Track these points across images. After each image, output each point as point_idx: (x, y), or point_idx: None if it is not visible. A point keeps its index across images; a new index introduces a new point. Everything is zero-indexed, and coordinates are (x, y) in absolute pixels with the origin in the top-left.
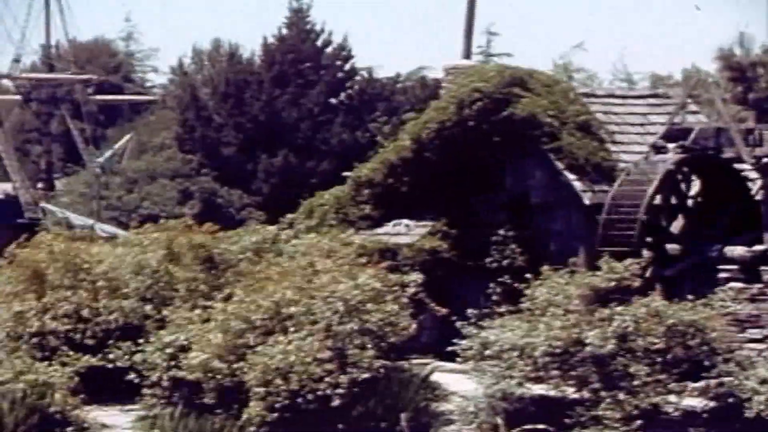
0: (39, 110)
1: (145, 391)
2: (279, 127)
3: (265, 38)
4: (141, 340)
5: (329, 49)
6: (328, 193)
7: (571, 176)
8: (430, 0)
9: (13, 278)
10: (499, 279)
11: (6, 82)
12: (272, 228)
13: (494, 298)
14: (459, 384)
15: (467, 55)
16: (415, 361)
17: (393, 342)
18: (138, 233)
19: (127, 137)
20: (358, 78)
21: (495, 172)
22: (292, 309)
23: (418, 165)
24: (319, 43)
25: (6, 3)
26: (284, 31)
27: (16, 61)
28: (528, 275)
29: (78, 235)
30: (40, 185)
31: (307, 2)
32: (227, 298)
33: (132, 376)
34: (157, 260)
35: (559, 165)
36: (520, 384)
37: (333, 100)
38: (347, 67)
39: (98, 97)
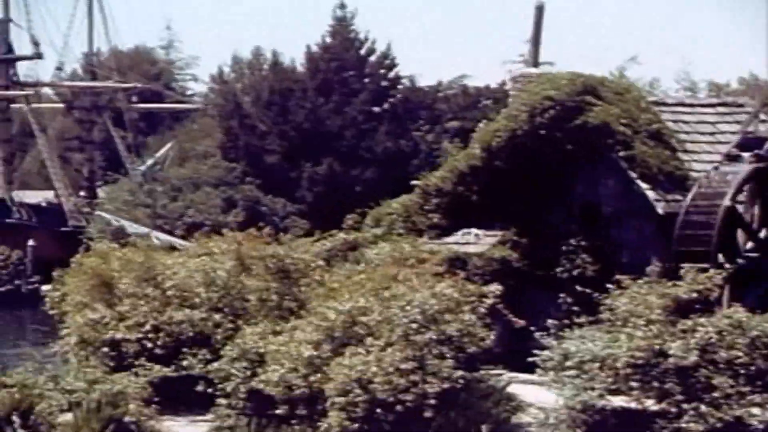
0: (80, 118)
1: (220, 401)
2: (323, 136)
3: (309, 47)
4: (214, 350)
5: (373, 58)
6: (396, 202)
7: (644, 185)
8: (469, 9)
9: (81, 287)
10: (570, 289)
11: (46, 89)
12: (342, 235)
13: (564, 308)
14: (535, 395)
15: (535, 63)
16: (486, 372)
17: (471, 353)
18: (205, 242)
19: (168, 145)
20: (401, 86)
21: (566, 181)
22: (368, 318)
23: (488, 173)
24: (362, 51)
25: (49, 11)
26: (328, 39)
27: (59, 68)
28: (608, 285)
29: (152, 246)
30: (82, 193)
31: (351, 11)
32: (301, 308)
33: (201, 386)
34: (227, 270)
35: (632, 174)
36: (601, 396)
37: (376, 109)
38: (391, 75)
39: (142, 105)
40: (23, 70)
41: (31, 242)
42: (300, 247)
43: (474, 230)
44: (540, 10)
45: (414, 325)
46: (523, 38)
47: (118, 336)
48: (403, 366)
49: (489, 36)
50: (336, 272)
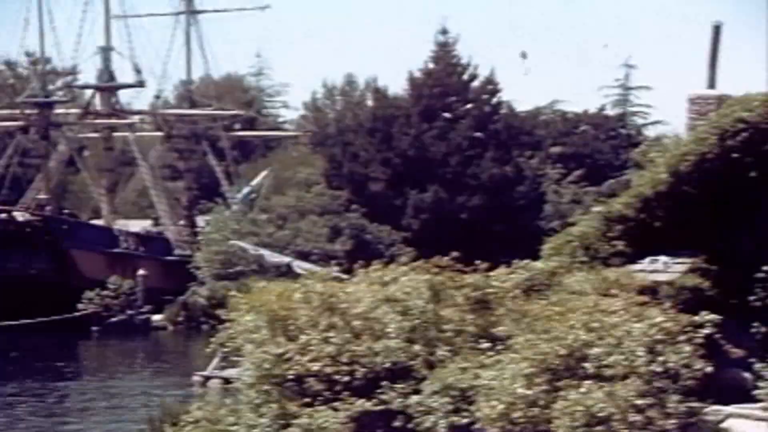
0: (177, 146)
1: None
2: (427, 162)
3: (411, 72)
4: (412, 383)
5: (476, 83)
6: (576, 229)
7: None
8: (552, 33)
9: (255, 322)
10: (764, 317)
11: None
12: (540, 264)
13: (758, 337)
14: (745, 429)
15: (712, 84)
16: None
17: (689, 386)
18: (383, 270)
19: (263, 173)
20: (503, 112)
21: (758, 206)
22: (592, 351)
23: (675, 199)
24: (465, 76)
25: (149, 38)
26: (430, 65)
27: (157, 97)
28: None
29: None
30: (181, 222)
31: (453, 36)
32: (501, 339)
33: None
34: (423, 300)
35: None
36: None
37: (479, 134)
38: (494, 100)
39: (242, 132)
40: (123, 98)
41: (141, 272)
42: (498, 276)
43: (662, 258)
44: (717, 30)
45: (641, 358)
46: (615, 63)
47: (308, 369)
48: (638, 401)
49: (575, 60)
50: (536, 302)
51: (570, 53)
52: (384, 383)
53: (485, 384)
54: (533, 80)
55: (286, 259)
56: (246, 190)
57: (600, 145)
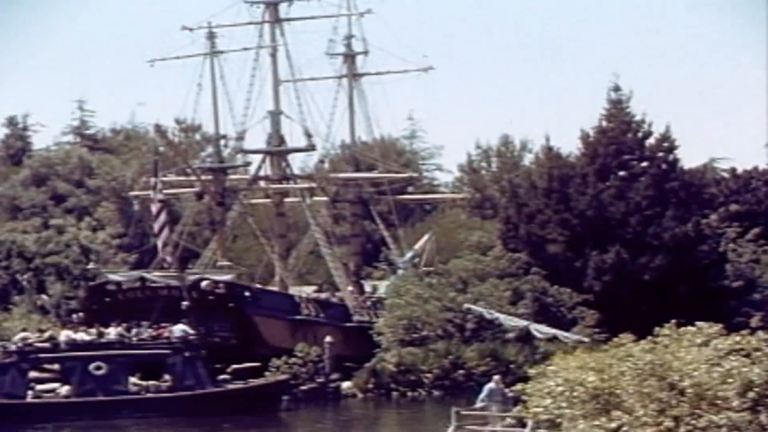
0: (340, 211)
1: None
2: (606, 222)
3: (584, 131)
4: None
5: (651, 140)
6: None
7: None
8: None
9: (567, 394)
10: None
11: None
12: None
13: None
14: None
15: None
16: None
17: None
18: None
19: (425, 237)
20: (679, 169)
21: None
22: None
23: None
24: (640, 134)
25: (315, 102)
26: (604, 123)
27: (321, 162)
28: None
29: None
30: (350, 288)
31: (626, 93)
32: None
33: None
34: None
35: None
36: None
37: (653, 192)
38: (671, 157)
39: (407, 196)
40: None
41: (328, 339)
42: None
43: None
44: None
45: None
46: None
47: None
48: None
49: (733, 116)
50: None
51: (727, 108)
52: None
53: None
54: (689, 136)
55: (522, 323)
56: (410, 254)
57: None
